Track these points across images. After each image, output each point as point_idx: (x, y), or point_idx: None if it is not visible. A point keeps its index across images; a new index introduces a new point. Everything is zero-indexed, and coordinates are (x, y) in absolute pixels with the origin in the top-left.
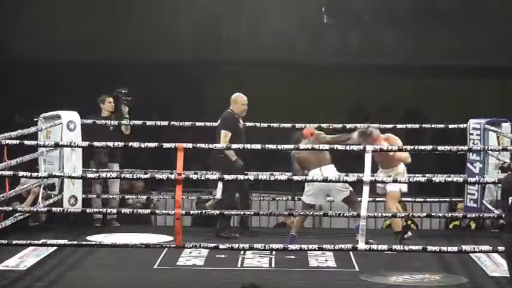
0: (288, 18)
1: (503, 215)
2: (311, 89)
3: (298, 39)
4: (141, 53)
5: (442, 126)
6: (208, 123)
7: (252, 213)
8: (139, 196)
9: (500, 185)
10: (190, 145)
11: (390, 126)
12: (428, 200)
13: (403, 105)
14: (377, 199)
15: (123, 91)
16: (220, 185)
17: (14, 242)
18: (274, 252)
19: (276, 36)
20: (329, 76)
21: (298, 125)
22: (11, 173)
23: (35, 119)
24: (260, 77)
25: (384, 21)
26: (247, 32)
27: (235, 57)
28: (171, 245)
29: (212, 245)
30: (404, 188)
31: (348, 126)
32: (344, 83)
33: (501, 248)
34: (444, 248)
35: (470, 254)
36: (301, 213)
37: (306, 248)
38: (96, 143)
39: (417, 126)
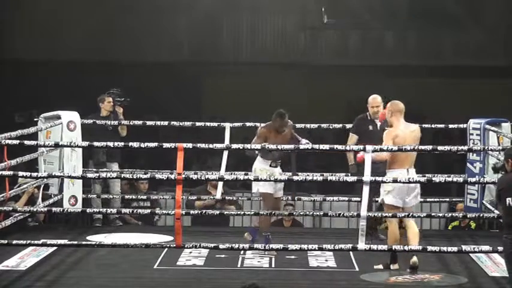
0: (288, 18)
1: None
2: (311, 89)
3: (298, 39)
4: (141, 53)
5: (442, 126)
6: (208, 123)
7: (253, 213)
8: (139, 196)
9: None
10: (190, 145)
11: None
12: (428, 200)
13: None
14: (376, 199)
15: (115, 92)
16: (220, 184)
17: (14, 242)
18: (274, 252)
19: (276, 36)
20: (329, 76)
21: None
22: (11, 173)
23: (35, 119)
24: (260, 77)
25: (384, 21)
26: (247, 32)
27: (235, 57)
28: (171, 245)
29: (212, 245)
30: (389, 199)
31: (348, 126)
32: (344, 83)
33: (501, 248)
34: (444, 248)
35: (470, 254)
36: (301, 213)
37: (306, 248)
38: (96, 143)
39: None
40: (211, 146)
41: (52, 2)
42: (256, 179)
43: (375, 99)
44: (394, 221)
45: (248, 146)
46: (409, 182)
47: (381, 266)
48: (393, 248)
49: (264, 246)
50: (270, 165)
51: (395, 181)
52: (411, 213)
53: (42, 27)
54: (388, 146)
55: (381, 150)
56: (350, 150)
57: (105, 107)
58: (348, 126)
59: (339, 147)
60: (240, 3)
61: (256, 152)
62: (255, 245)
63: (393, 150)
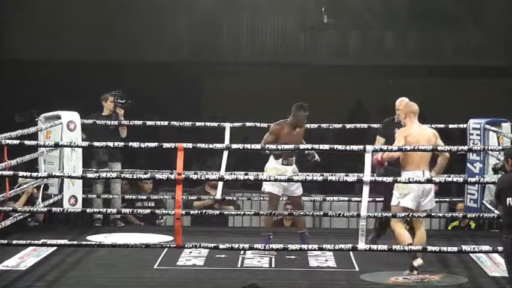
0: (288, 18)
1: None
2: (311, 89)
3: (298, 39)
4: (141, 53)
5: (442, 126)
6: (208, 123)
7: (252, 213)
8: (139, 196)
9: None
10: (190, 145)
11: None
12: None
13: None
14: (377, 199)
15: (117, 93)
16: (220, 185)
17: (14, 242)
18: (274, 252)
19: (276, 36)
20: (329, 76)
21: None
22: (11, 173)
23: (36, 120)
24: (260, 77)
25: (384, 21)
26: (247, 32)
27: (235, 57)
28: (171, 245)
29: (212, 245)
30: (407, 202)
31: (348, 126)
32: (344, 83)
33: (501, 248)
34: (444, 248)
35: (470, 254)
36: (302, 213)
37: (306, 248)
38: (96, 143)
39: None
40: (211, 146)
41: (52, 2)
42: (257, 179)
43: (401, 102)
44: (400, 222)
45: (248, 146)
46: (409, 182)
47: (408, 271)
48: (393, 248)
49: (264, 246)
50: (282, 164)
51: (395, 181)
52: (410, 214)
53: (42, 27)
54: (389, 146)
55: (381, 150)
56: (350, 150)
57: (108, 106)
58: (348, 126)
59: (339, 147)
60: (240, 3)
61: (267, 151)
62: (255, 245)
63: (392, 150)
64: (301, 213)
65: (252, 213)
